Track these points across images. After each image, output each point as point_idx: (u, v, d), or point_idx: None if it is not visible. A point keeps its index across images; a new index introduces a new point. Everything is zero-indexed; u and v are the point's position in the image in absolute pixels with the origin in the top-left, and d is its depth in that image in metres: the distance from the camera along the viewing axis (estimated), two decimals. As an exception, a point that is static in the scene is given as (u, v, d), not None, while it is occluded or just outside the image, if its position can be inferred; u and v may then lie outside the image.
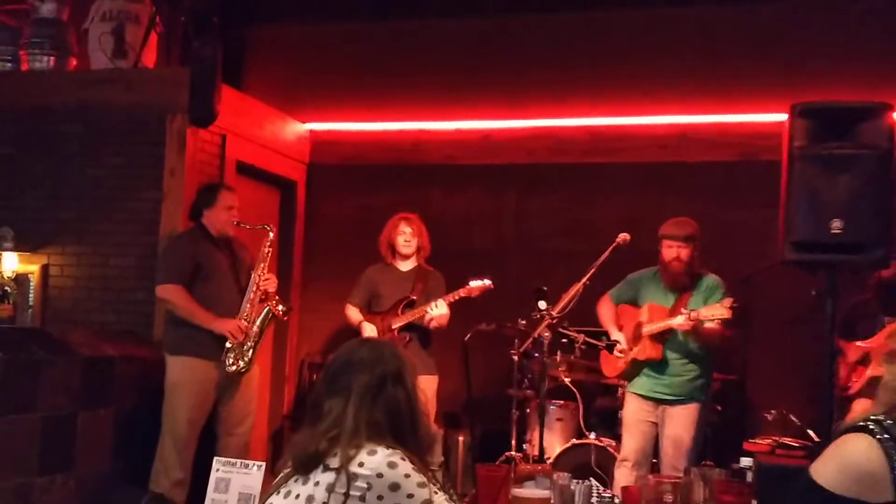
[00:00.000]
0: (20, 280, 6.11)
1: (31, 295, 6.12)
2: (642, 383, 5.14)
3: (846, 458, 1.91)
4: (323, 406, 2.46)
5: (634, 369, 5.14)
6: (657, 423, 5.10)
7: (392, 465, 2.32)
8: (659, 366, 5.06)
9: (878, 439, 1.84)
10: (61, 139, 6.16)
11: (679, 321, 4.86)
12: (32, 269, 6.11)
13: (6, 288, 6.11)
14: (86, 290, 6.07)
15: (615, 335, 5.21)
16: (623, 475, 5.04)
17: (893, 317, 5.52)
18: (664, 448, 5.04)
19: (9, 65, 6.50)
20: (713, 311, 4.77)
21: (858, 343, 5.63)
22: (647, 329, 5.05)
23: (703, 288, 5.09)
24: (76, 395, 5.06)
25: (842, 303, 5.65)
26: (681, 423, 5.01)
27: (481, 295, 5.67)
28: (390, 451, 2.35)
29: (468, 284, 5.64)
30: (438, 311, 5.59)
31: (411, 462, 2.36)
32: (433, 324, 5.65)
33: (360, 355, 2.50)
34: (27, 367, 4.81)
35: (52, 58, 6.37)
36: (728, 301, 4.77)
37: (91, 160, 6.10)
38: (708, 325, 4.83)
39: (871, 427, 1.86)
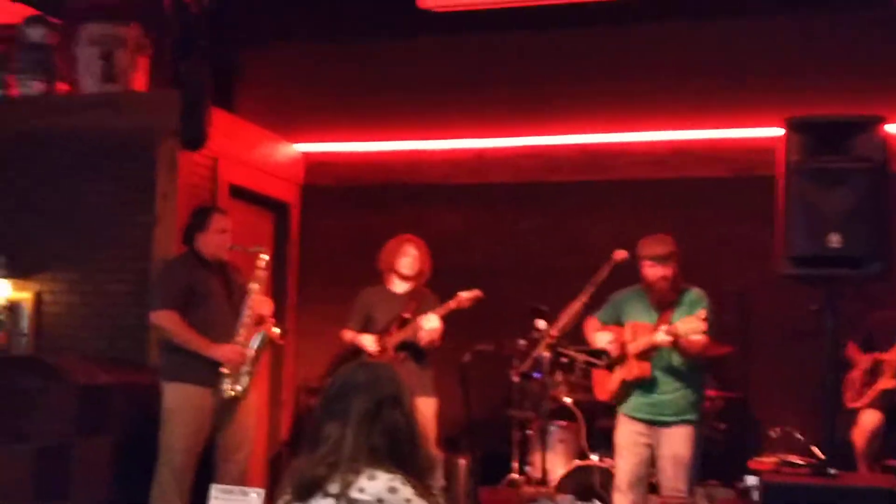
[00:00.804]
0: (13, 307, 6.06)
1: (24, 322, 6.06)
2: (633, 405, 5.06)
3: None
4: (321, 431, 2.42)
5: (625, 390, 5.07)
6: (651, 444, 5.02)
7: (393, 490, 2.29)
8: (649, 385, 4.99)
9: None
10: (52, 164, 6.13)
11: (659, 338, 4.81)
12: (25, 296, 6.06)
13: (-1, 316, 6.07)
14: (79, 317, 6.02)
15: (603, 338, 5.10)
16: (619, 500, 4.98)
17: None
18: (663, 469, 4.96)
19: (-3, 90, 6.46)
20: (689, 325, 4.71)
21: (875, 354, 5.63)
22: (632, 347, 4.99)
23: (687, 302, 5.03)
24: (71, 424, 5.01)
25: (867, 317, 5.69)
26: (678, 442, 4.94)
27: (473, 307, 5.58)
28: (391, 475, 2.32)
29: (458, 295, 5.57)
30: (430, 323, 5.50)
31: (412, 486, 2.33)
32: (425, 339, 5.55)
33: (358, 379, 2.47)
34: (21, 395, 4.77)
35: (41, 83, 6.32)
36: (703, 312, 4.71)
37: (82, 185, 6.06)
38: (693, 337, 4.75)
39: None
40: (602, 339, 5.12)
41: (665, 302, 5.05)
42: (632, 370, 4.97)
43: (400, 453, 2.38)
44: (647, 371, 4.96)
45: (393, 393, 2.44)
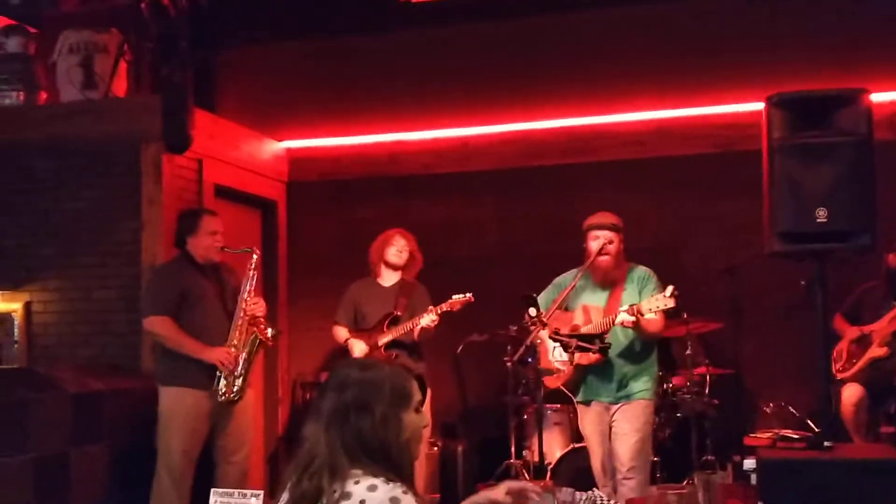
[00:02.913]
0: (3, 319, 6.05)
1: (15, 333, 6.05)
2: (589, 390, 4.97)
3: None
4: (305, 429, 2.40)
5: (579, 376, 4.96)
6: (611, 423, 4.93)
7: (394, 501, 2.23)
8: (603, 368, 4.89)
9: None
10: (36, 174, 6.10)
11: (622, 318, 4.69)
12: (15, 307, 6.05)
13: (-11, 328, 6.05)
14: (70, 325, 6.01)
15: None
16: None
17: None
18: (614, 449, 4.87)
19: (-22, 103, 6.42)
20: (656, 303, 4.61)
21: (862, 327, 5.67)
22: (587, 330, 4.88)
23: (635, 280, 4.95)
24: (67, 433, 5.01)
25: (853, 289, 5.73)
26: (629, 419, 4.85)
27: (463, 308, 5.60)
28: (390, 485, 2.25)
29: (451, 298, 5.56)
30: (428, 319, 5.49)
31: (414, 495, 2.27)
32: (421, 333, 5.56)
33: (333, 378, 2.43)
34: (15, 407, 4.75)
35: (21, 93, 6.29)
36: (670, 289, 4.61)
37: (68, 194, 6.04)
38: (649, 317, 4.69)
39: None
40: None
41: (609, 279, 4.95)
42: (587, 354, 4.82)
43: (373, 457, 2.32)
44: (598, 356, 4.81)
45: (360, 399, 2.35)
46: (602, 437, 4.95)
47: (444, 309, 5.52)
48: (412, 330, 5.57)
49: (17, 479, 4.67)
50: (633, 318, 4.69)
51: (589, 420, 5.01)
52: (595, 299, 5.00)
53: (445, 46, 7.08)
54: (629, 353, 4.93)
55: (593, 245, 4.93)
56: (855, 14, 6.30)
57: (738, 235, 6.19)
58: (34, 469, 4.77)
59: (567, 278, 5.09)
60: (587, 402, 5.01)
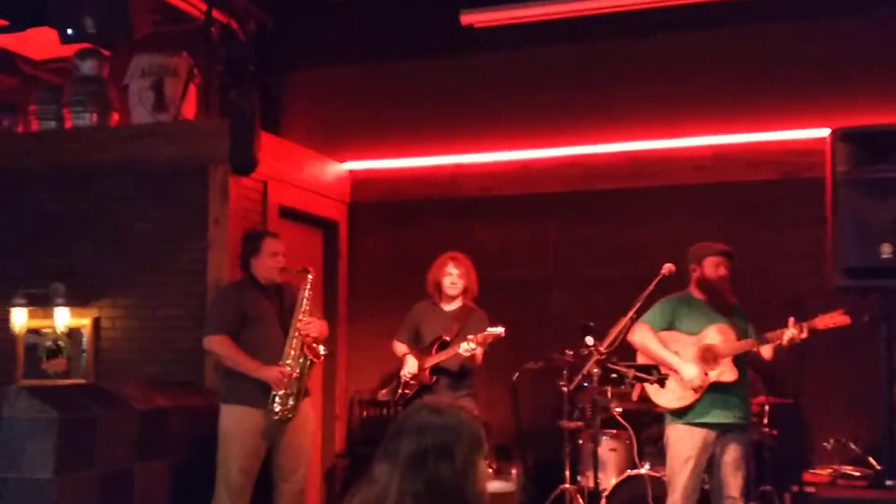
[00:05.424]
0: (73, 334, 6.23)
1: (83, 348, 6.22)
2: (708, 410, 4.94)
3: None
4: (374, 469, 2.33)
5: (706, 396, 4.94)
6: (714, 451, 4.94)
7: None
8: (730, 389, 4.92)
9: None
10: (107, 194, 6.27)
11: (791, 334, 4.73)
12: (84, 322, 6.22)
13: (59, 343, 6.23)
14: (137, 342, 6.16)
15: (679, 363, 4.95)
16: None
17: None
18: (724, 477, 4.89)
19: (53, 123, 6.61)
20: (832, 319, 4.63)
21: None
22: (727, 349, 4.90)
23: (738, 314, 5.05)
24: (132, 449, 5.12)
25: None
26: (742, 449, 4.92)
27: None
28: None
29: (486, 331, 5.41)
30: (466, 348, 5.36)
31: None
32: (460, 363, 5.48)
33: (411, 421, 2.35)
34: (84, 424, 4.88)
35: (94, 114, 6.47)
36: (843, 308, 4.61)
37: (136, 213, 6.20)
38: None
39: None
40: (681, 365, 4.95)
41: (727, 304, 5.02)
42: (724, 373, 4.90)
43: None
44: (737, 375, 4.91)
45: (442, 443, 2.28)
46: (699, 463, 4.94)
47: (479, 341, 5.38)
48: (456, 356, 5.47)
49: (85, 493, 4.80)
50: (802, 335, 4.75)
51: (698, 443, 4.95)
52: (722, 322, 5.04)
53: (507, 70, 7.12)
54: (745, 377, 5.04)
55: (713, 271, 5.03)
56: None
57: (802, 264, 6.11)
58: (100, 484, 4.89)
59: (675, 300, 5.14)
60: (697, 424, 4.97)
